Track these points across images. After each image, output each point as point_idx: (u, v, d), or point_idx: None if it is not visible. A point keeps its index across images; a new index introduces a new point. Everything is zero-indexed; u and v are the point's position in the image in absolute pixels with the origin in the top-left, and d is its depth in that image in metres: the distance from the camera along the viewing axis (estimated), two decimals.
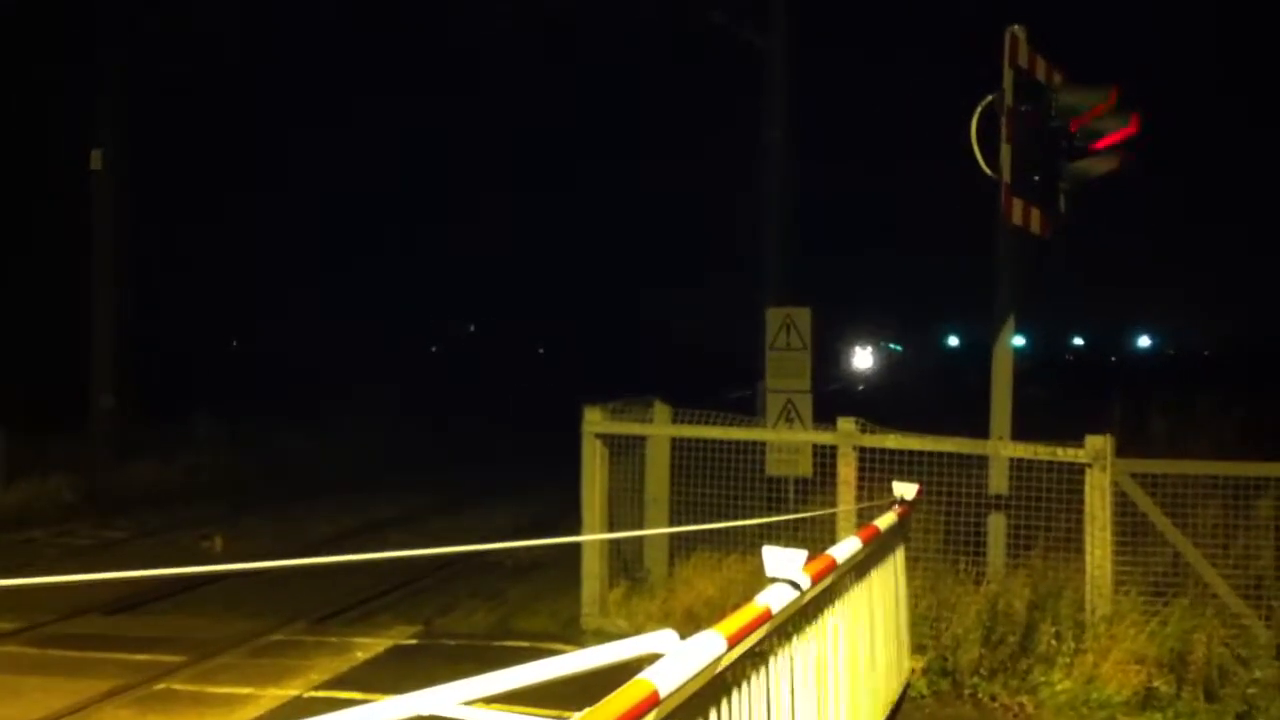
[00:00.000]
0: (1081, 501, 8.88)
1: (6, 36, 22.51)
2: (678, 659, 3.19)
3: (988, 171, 9.19)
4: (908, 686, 7.89)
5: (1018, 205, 9.09)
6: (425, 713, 2.75)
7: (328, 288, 36.17)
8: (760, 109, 17.23)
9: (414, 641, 10.05)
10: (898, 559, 7.52)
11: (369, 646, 9.79)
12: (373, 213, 38.62)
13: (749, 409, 12.82)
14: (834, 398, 12.54)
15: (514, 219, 44.36)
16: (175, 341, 29.01)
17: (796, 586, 4.49)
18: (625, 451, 10.51)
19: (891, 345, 69.95)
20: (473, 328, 50.85)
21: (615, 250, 47.09)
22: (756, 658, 4.09)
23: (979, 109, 9.31)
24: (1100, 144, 9.45)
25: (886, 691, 6.99)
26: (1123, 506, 8.88)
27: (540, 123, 43.01)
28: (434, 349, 48.67)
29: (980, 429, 9.75)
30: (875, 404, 10.03)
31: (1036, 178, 9.38)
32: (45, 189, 25.07)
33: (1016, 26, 9.20)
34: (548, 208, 45.47)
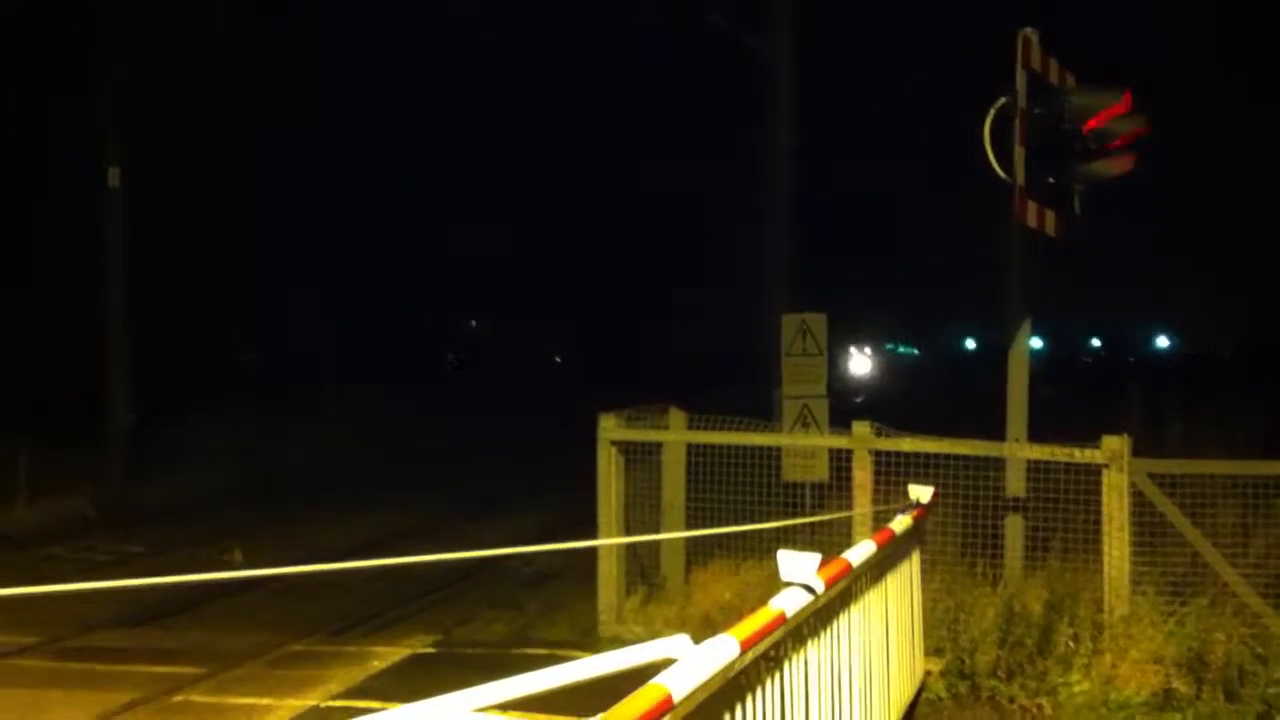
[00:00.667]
0: (1099, 502, 8.86)
1: (7, 37, 22.48)
2: (691, 663, 3.20)
3: (1001, 174, 9.19)
4: (922, 689, 7.88)
5: (1032, 207, 9.09)
6: None
7: (329, 291, 36.23)
8: (762, 111, 17.16)
9: (432, 650, 10.07)
10: (913, 562, 7.51)
11: (387, 656, 9.81)
12: (373, 214, 38.74)
13: (762, 413, 12.80)
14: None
15: (514, 219, 44.58)
16: (178, 344, 28.96)
17: (811, 590, 4.50)
18: (640, 457, 10.52)
19: (900, 348, 68.65)
20: (474, 322, 50.56)
21: (614, 251, 47.20)
22: (771, 662, 4.09)
23: (992, 112, 9.31)
24: (1113, 145, 9.44)
25: (900, 694, 6.98)
26: (1140, 507, 8.86)
27: (541, 123, 43.24)
28: (454, 357, 48.46)
29: (995, 434, 9.74)
30: (880, 413, 10.00)
31: (1050, 180, 9.38)
32: (46, 191, 25.01)
33: (1029, 29, 9.20)
34: (548, 208, 45.61)
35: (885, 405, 10.31)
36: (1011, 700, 8.07)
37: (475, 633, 10.89)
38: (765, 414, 12.72)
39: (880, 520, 7.89)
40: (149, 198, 23.05)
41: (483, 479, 23.31)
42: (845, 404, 13.07)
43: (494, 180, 42.92)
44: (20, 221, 25.29)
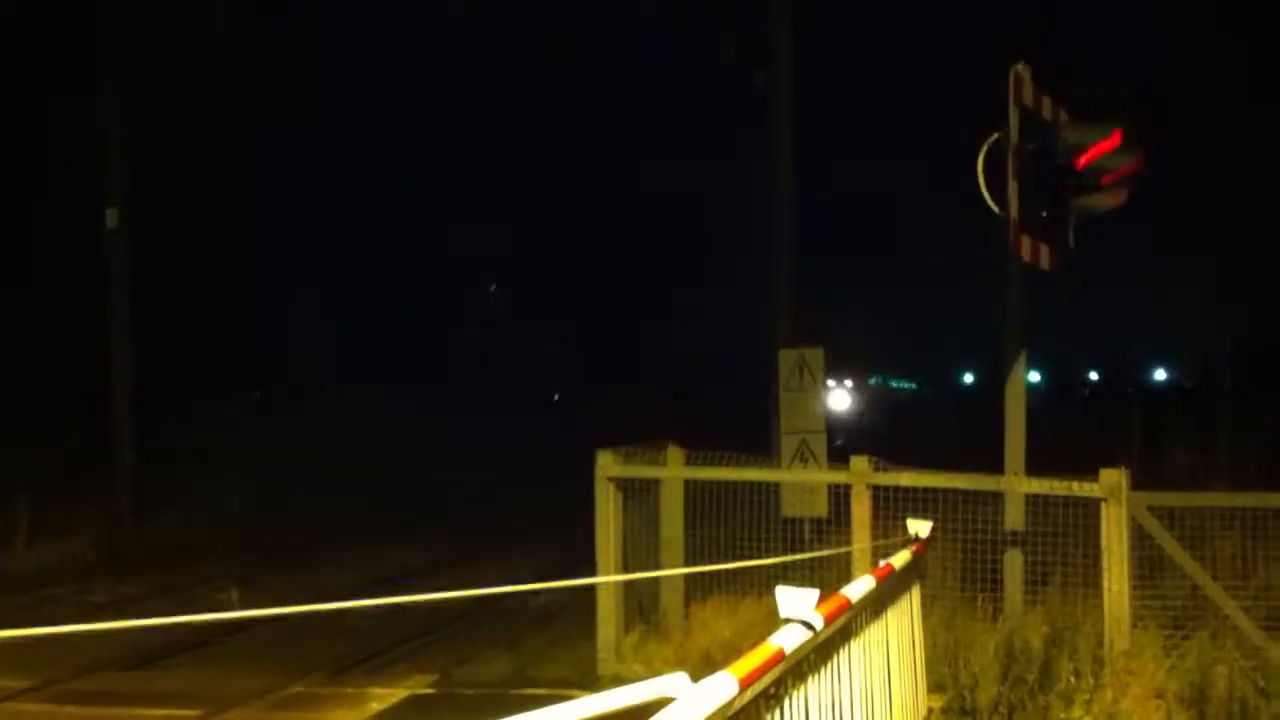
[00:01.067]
0: (1098, 535, 8.85)
1: (7, 36, 22.40)
2: (689, 702, 3.18)
3: (995, 209, 9.22)
4: None
5: (1026, 241, 9.12)
6: None
7: (329, 291, 36.16)
8: (763, 112, 17.02)
9: (431, 691, 10.02)
10: (913, 597, 7.49)
11: (385, 697, 9.75)
12: (373, 214, 38.73)
13: (762, 445, 12.79)
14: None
15: (515, 219, 44.77)
16: (178, 350, 28.79)
17: (810, 627, 4.48)
18: (639, 494, 10.50)
19: (892, 381, 67.32)
20: (494, 287, 50.03)
21: (614, 251, 47.29)
22: (770, 699, 4.06)
23: (984, 147, 9.36)
24: (1107, 179, 9.47)
25: None
26: (1140, 539, 8.84)
27: (541, 124, 43.50)
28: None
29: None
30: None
31: (1044, 214, 9.41)
32: (46, 192, 24.83)
33: (1021, 65, 9.24)
34: (548, 208, 45.74)
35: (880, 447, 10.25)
36: None
37: (474, 672, 10.83)
38: (765, 446, 12.72)
39: (880, 555, 7.87)
40: (149, 200, 22.86)
41: (482, 495, 23.37)
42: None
43: (494, 180, 43.06)
44: (21, 232, 25.01)
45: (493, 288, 49.64)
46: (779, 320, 15.82)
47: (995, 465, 9.78)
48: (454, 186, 42.03)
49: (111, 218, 21.22)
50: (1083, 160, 9.36)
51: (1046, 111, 9.52)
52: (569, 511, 15.09)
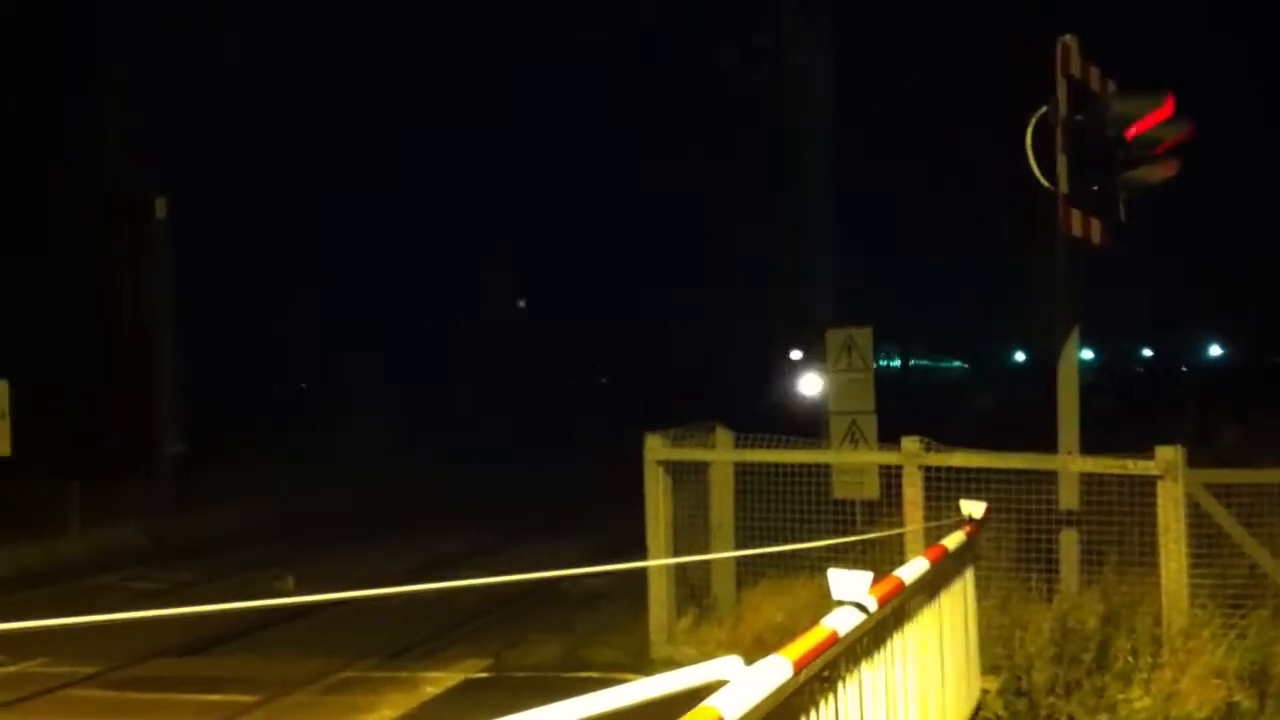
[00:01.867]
0: (1154, 514, 8.75)
1: (11, 38, 22.53)
2: (743, 685, 3.16)
3: (1044, 183, 9.12)
4: (979, 708, 7.78)
5: (1076, 216, 9.02)
6: None
7: (353, 297, 36.37)
8: (795, 114, 16.96)
9: (485, 675, 10.06)
10: (967, 578, 7.43)
11: (440, 681, 9.80)
12: (375, 216, 38.76)
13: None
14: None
15: (519, 219, 44.88)
16: (215, 372, 29.02)
17: (863, 609, 4.45)
18: (689, 477, 10.47)
19: (913, 360, 65.03)
20: (521, 303, 49.98)
21: (615, 252, 47.18)
22: (824, 682, 4.04)
23: (1033, 120, 9.26)
24: (1158, 151, 9.34)
25: (958, 713, 6.89)
26: (1196, 518, 8.74)
27: (548, 125, 43.47)
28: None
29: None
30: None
31: (1095, 187, 9.30)
32: (79, 184, 24.97)
33: (1068, 36, 9.13)
34: (552, 208, 45.67)
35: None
36: (1070, 718, 7.94)
37: (526, 656, 10.84)
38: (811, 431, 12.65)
39: (932, 537, 7.81)
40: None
41: (519, 496, 23.52)
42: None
43: (493, 180, 43.10)
44: (60, 225, 25.11)
45: (520, 303, 49.71)
46: (813, 305, 15.80)
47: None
48: (455, 187, 42.23)
49: (160, 207, 21.32)
50: (1133, 131, 9.24)
51: (1094, 83, 9.40)
52: (585, 506, 15.07)
